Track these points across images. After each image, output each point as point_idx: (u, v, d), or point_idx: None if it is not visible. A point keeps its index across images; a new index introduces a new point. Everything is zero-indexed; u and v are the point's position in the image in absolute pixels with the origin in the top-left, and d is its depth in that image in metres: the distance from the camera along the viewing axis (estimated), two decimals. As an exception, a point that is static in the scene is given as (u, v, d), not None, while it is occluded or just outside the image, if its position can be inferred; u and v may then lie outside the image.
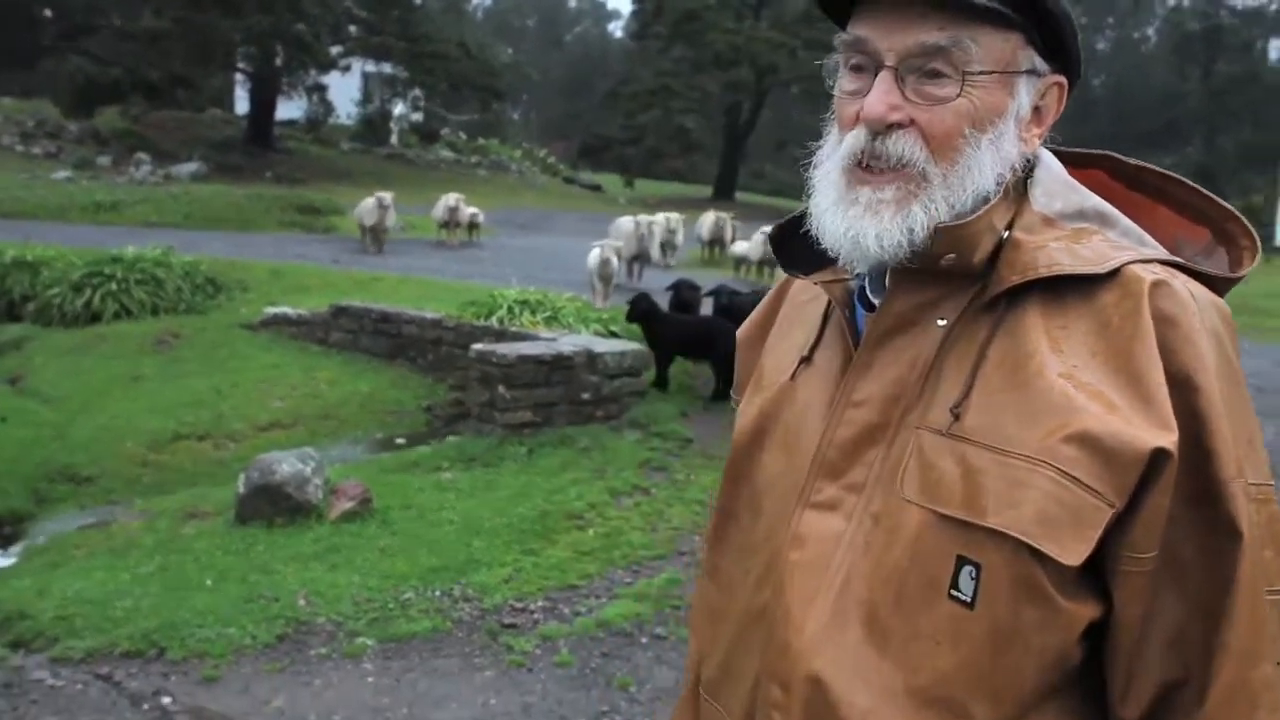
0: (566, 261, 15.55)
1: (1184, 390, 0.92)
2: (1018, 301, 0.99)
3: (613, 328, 9.56)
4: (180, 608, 4.77)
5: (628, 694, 4.27)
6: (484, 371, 7.64)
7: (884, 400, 1.03)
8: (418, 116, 35.63)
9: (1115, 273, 0.97)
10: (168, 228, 17.12)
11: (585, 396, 7.87)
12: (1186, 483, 0.92)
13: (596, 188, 39.07)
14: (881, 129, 0.99)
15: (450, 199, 18.20)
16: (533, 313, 9.67)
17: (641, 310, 8.42)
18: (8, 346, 11.15)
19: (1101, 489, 0.91)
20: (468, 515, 6.11)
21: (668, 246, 16.88)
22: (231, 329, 11.07)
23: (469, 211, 18.41)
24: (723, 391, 8.60)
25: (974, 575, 0.93)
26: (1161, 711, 0.95)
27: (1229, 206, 1.07)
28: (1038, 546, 0.91)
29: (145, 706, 4.00)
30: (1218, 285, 1.02)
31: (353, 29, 31.97)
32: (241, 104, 35.20)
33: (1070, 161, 1.10)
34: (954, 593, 0.94)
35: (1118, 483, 0.91)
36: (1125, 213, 1.05)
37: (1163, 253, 1.01)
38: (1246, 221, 1.06)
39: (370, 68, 34.98)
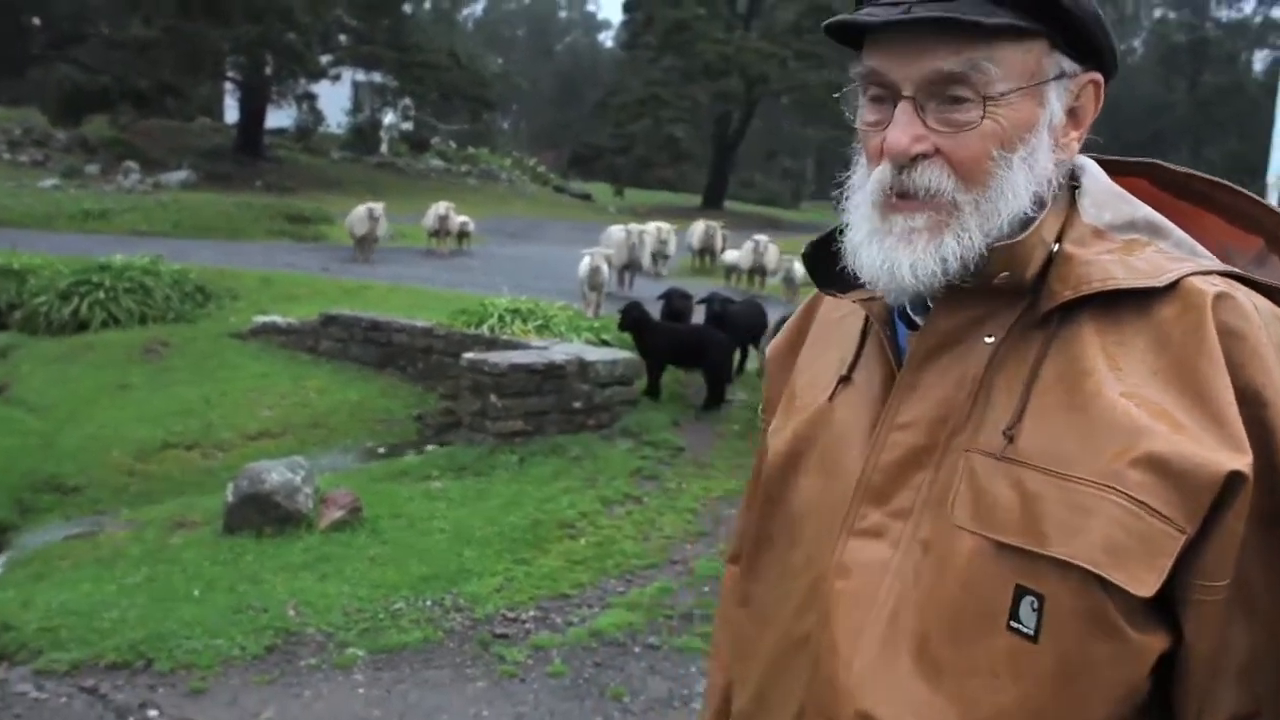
0: (557, 270, 15.53)
1: (1254, 408, 0.87)
2: (1070, 317, 0.95)
3: (604, 336, 9.53)
4: (167, 619, 4.71)
5: (621, 704, 4.23)
6: (475, 380, 7.59)
7: (930, 422, 0.98)
8: (408, 125, 35.63)
9: (1173, 286, 0.93)
10: (156, 236, 17.04)
11: (577, 405, 7.84)
12: (1261, 505, 0.87)
13: (586, 197, 39.11)
14: (906, 162, 0.95)
15: (440, 207, 18.19)
16: (524, 321, 9.64)
17: (633, 319, 8.39)
18: (-6, 355, 11.06)
19: (1172, 515, 0.86)
20: (459, 524, 6.06)
21: (660, 256, 16.89)
22: (220, 338, 11.00)
23: (459, 220, 18.40)
24: (714, 400, 8.59)
25: (1036, 606, 0.89)
26: None
27: None
28: (1107, 577, 0.86)
29: (131, 719, 3.94)
30: (1275, 297, 0.97)
31: (343, 38, 31.99)
32: (231, 113, 35.14)
33: (1112, 169, 1.07)
34: (1014, 624, 0.90)
35: (1189, 508, 0.86)
36: (1172, 221, 1.01)
37: (1220, 264, 0.97)
38: None
39: (360, 77, 34.96)
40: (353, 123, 35.97)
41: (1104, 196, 1.01)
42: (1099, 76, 1.00)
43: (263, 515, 5.85)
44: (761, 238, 16.52)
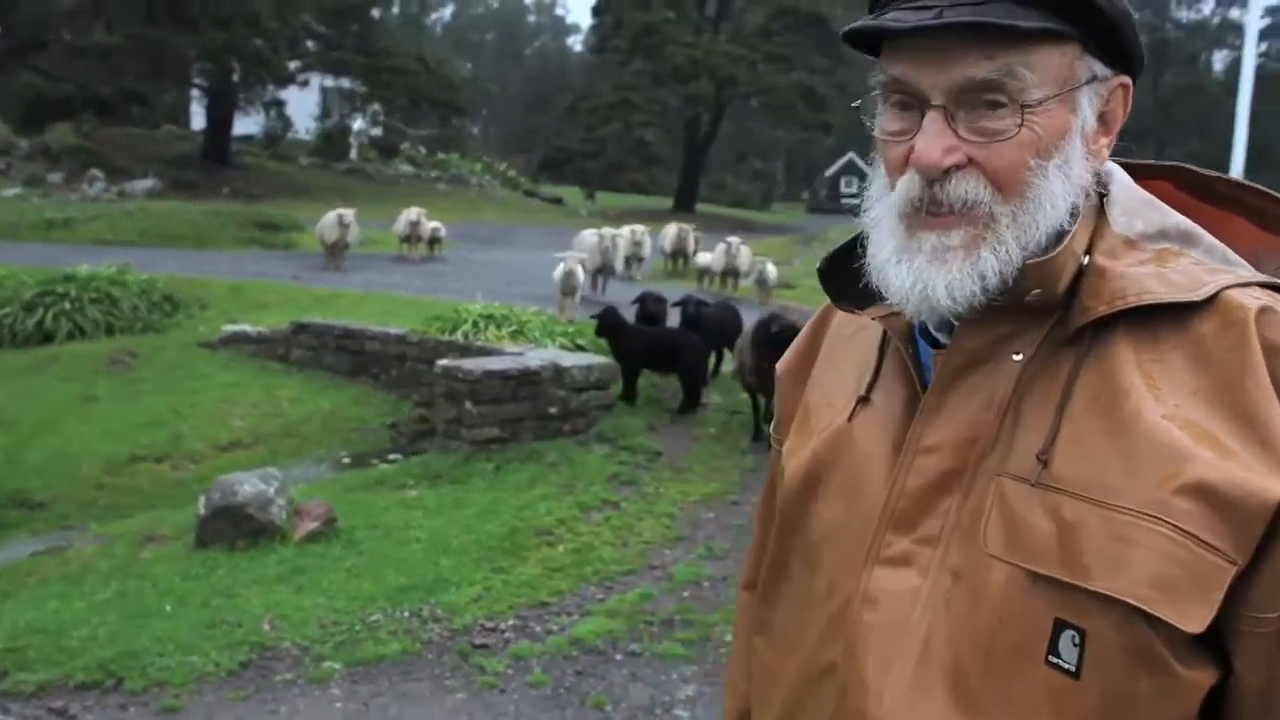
0: (530, 275, 15.47)
1: None
2: (1103, 333, 0.90)
3: (579, 341, 9.50)
4: (139, 636, 4.62)
5: (603, 713, 4.19)
6: (450, 387, 7.54)
7: (958, 444, 0.93)
8: (377, 131, 35.43)
9: (1211, 299, 0.88)
10: (122, 245, 16.82)
11: (552, 411, 7.80)
12: None
13: (558, 201, 39.05)
14: (938, 174, 0.90)
15: (412, 213, 18.07)
16: (498, 327, 9.59)
17: (609, 324, 8.37)
18: (-44, 368, 10.86)
19: (1222, 546, 0.82)
20: (435, 533, 6.01)
21: (633, 260, 16.86)
22: (190, 348, 10.87)
23: (430, 226, 18.29)
24: (690, 404, 8.57)
25: (1077, 642, 0.85)
26: None
27: None
28: (1155, 613, 0.82)
29: (103, 739, 3.87)
30: None
31: (310, 44, 31.73)
32: (197, 120, 34.80)
33: (1133, 173, 1.02)
34: (1053, 659, 0.85)
35: (1240, 538, 0.82)
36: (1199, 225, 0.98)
37: (1257, 274, 0.93)
38: None
39: (329, 83, 34.71)
40: (321, 129, 35.69)
41: (1134, 204, 0.97)
42: (1128, 80, 0.96)
43: (235, 528, 5.77)
44: (733, 240, 16.54)
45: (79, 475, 7.91)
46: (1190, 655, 0.84)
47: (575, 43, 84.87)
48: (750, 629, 1.19)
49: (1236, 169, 17.81)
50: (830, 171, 60.59)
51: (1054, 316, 0.92)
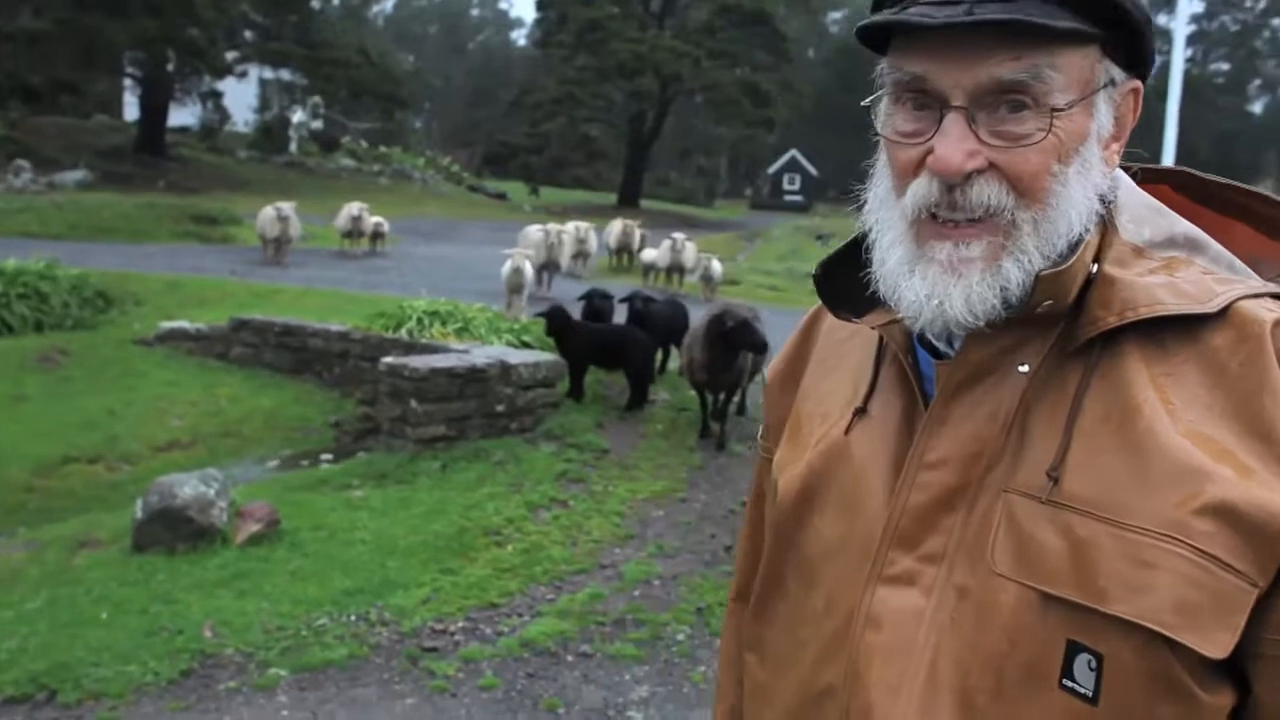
0: (474, 271, 15.34)
1: None
2: (1112, 345, 0.88)
3: (525, 338, 9.42)
4: (73, 646, 4.47)
5: (556, 715, 4.15)
6: (395, 385, 7.42)
7: (963, 459, 0.91)
8: (317, 124, 34.92)
9: (1224, 311, 0.86)
10: (50, 239, 16.31)
11: (499, 409, 7.72)
12: None
13: (501, 196, 38.81)
14: (959, 180, 0.86)
15: (354, 208, 17.82)
16: (443, 324, 9.47)
17: (559, 322, 8.30)
18: (-124, 367, 10.44)
19: (1244, 568, 0.80)
20: (381, 534, 5.91)
21: (579, 256, 16.80)
22: (124, 345, 10.57)
23: (373, 221, 18.05)
24: (638, 400, 8.55)
25: (1094, 666, 0.82)
26: None
27: None
28: (1178, 639, 0.80)
29: (37, 753, 3.73)
30: None
31: (248, 34, 31.13)
32: (131, 110, 33.94)
33: (1132, 177, 1.00)
34: (1068, 683, 0.83)
35: (1262, 560, 0.80)
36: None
37: (1268, 284, 0.91)
38: None
39: (267, 74, 34.09)
40: (260, 121, 35.06)
41: (1141, 211, 0.95)
42: (1139, 84, 0.94)
43: (174, 531, 5.61)
44: (679, 236, 16.57)
45: (6, 478, 7.64)
46: (1211, 679, 0.82)
47: (519, 37, 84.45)
48: (740, 641, 1.16)
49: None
50: (773, 169, 61.02)
51: (1059, 327, 0.90)
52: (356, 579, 5.28)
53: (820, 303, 1.14)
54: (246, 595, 5.04)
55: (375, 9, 61.93)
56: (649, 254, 17.10)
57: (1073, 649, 0.83)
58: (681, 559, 5.86)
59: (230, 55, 30.05)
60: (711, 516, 6.56)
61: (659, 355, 9.30)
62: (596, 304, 9.41)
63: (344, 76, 30.66)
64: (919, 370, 0.97)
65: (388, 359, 7.75)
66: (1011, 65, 0.84)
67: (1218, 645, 0.80)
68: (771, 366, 1.20)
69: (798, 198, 57.74)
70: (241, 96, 33.71)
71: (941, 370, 0.95)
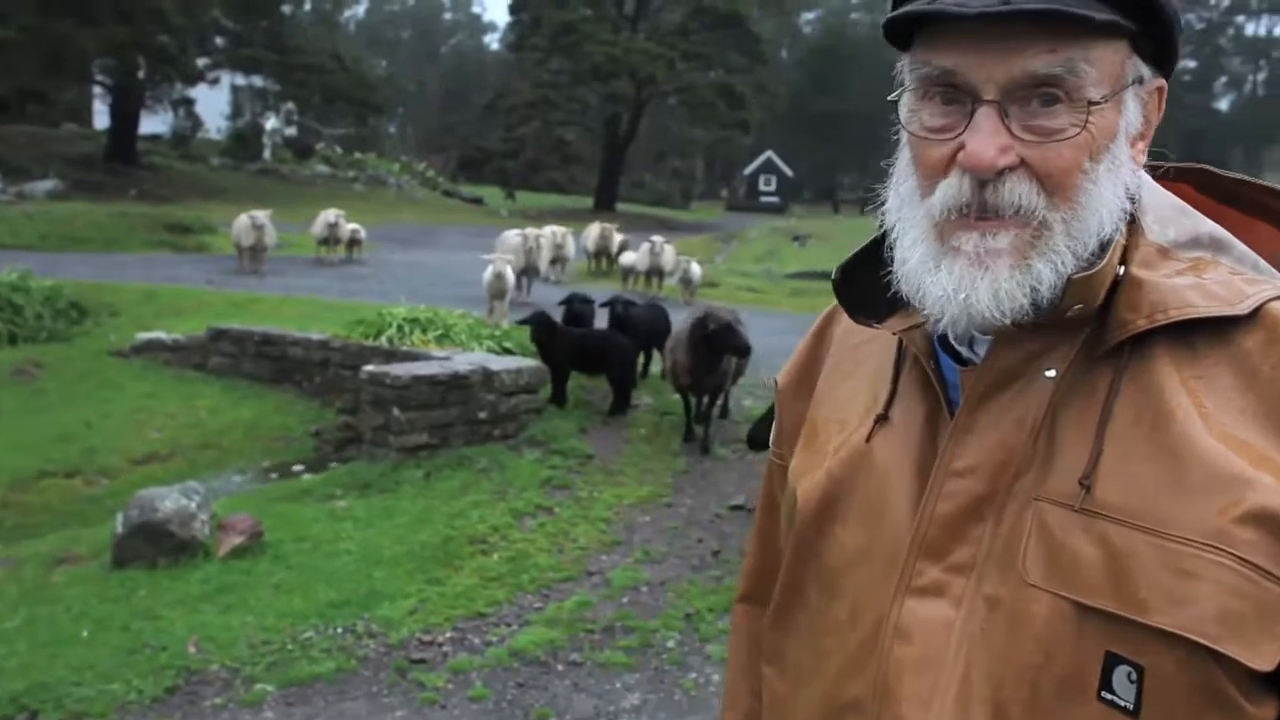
0: (453, 277, 15.27)
1: None
2: (1141, 348, 0.86)
3: (506, 344, 9.38)
4: (53, 664, 4.40)
5: (547, 726, 4.13)
6: (377, 394, 7.37)
7: (991, 467, 0.89)
8: (291, 130, 34.69)
9: (1254, 312, 0.85)
10: (21, 249, 16.10)
11: (482, 416, 7.68)
12: None
13: (478, 201, 38.69)
14: (991, 176, 0.84)
15: (330, 215, 17.70)
16: (424, 331, 9.41)
17: (545, 327, 8.27)
18: None
19: None
20: (366, 545, 5.86)
21: (557, 260, 16.76)
22: (100, 356, 10.44)
23: (350, 228, 17.92)
24: (620, 405, 8.53)
25: (1134, 678, 0.80)
26: None
27: None
28: (1223, 651, 0.78)
29: (20, 776, 3.67)
30: None
31: (220, 41, 30.88)
32: (101, 118, 33.58)
33: (1153, 176, 0.98)
34: (1107, 695, 0.81)
35: None
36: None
37: None
38: None
39: (240, 80, 33.86)
40: (233, 128, 34.80)
41: (1166, 211, 0.94)
42: (1164, 83, 0.93)
43: (155, 546, 5.54)
44: (658, 239, 16.56)
45: (-18, 493, 7.53)
46: (1256, 691, 0.81)
47: (492, 41, 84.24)
48: (751, 647, 1.14)
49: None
50: (748, 170, 61.15)
51: (1085, 331, 0.88)
52: (342, 591, 5.23)
53: (831, 306, 1.13)
54: (231, 609, 4.98)
55: (347, 14, 61.65)
56: (628, 257, 17.07)
57: (1111, 661, 0.81)
58: (669, 564, 5.85)
59: (202, 62, 29.80)
60: (698, 521, 6.55)
61: (641, 359, 9.29)
62: (577, 308, 9.39)
63: (317, 82, 30.48)
64: (942, 375, 0.95)
65: (369, 367, 7.70)
66: (1047, 58, 0.83)
67: (1263, 656, 0.79)
68: (783, 372, 1.18)
69: (774, 199, 57.93)
70: (214, 103, 33.48)
71: (967, 376, 0.93)
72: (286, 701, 4.21)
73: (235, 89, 35.23)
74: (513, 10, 41.09)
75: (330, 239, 17.75)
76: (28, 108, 27.83)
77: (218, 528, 5.77)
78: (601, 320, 9.27)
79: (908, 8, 0.86)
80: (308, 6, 42.87)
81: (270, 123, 35.07)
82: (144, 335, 10.62)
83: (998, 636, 0.86)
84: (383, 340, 9.23)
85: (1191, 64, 70.57)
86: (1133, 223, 0.92)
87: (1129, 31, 0.86)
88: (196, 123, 32.35)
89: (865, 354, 1.06)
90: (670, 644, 4.86)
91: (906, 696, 0.89)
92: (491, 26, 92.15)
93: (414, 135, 70.48)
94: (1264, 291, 0.87)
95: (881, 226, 0.96)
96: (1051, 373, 0.88)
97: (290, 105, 33.42)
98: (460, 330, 9.60)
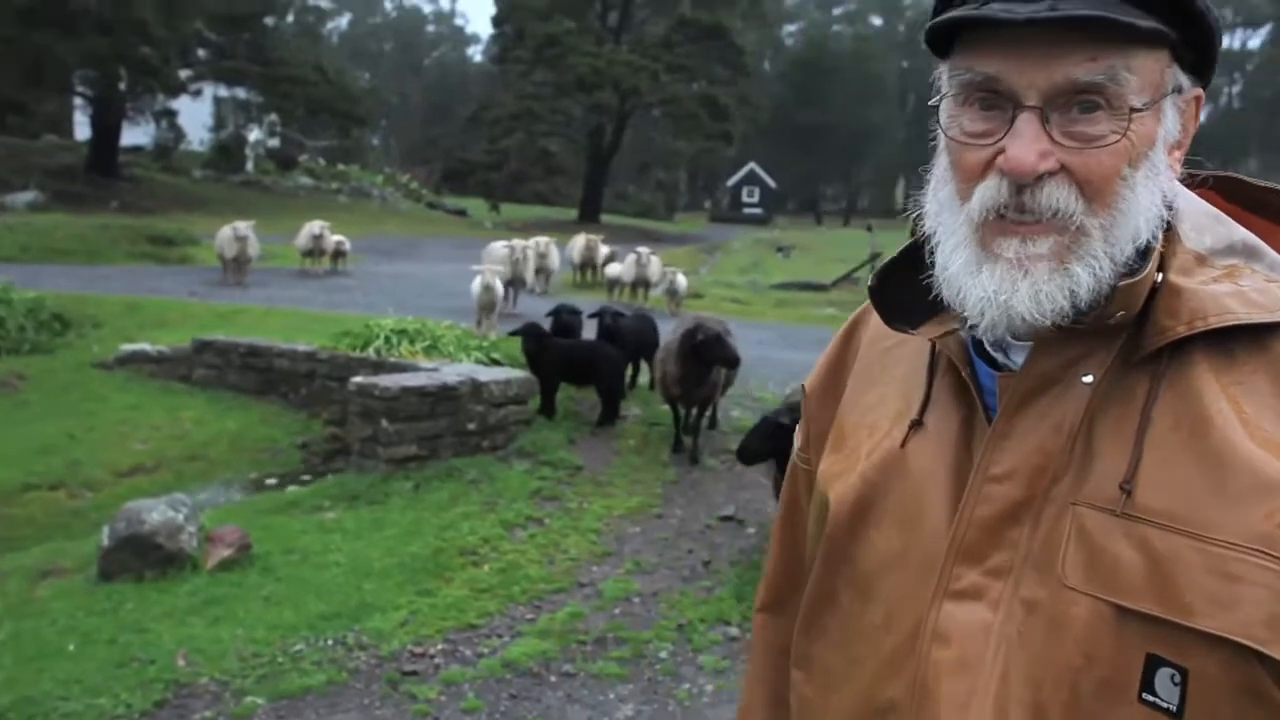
0: (439, 288, 15.25)
1: None
2: (1180, 355, 0.87)
3: (494, 355, 9.36)
4: (39, 679, 4.34)
5: (541, 737, 4.11)
6: (365, 405, 7.33)
7: (1029, 472, 0.89)
8: (274, 142, 34.60)
9: None
10: (2, 261, 16.00)
11: (471, 427, 7.66)
12: None
13: (461, 212, 38.68)
14: (1030, 181, 0.86)
15: (314, 226, 17.66)
16: (411, 342, 9.38)
17: (536, 338, 8.25)
18: None
19: None
20: (356, 556, 5.82)
21: (542, 272, 16.75)
22: (84, 368, 10.37)
23: (334, 239, 17.89)
24: (609, 416, 8.52)
25: (1177, 680, 0.81)
26: None
27: None
28: (1271, 654, 0.79)
29: (8, 792, 3.62)
30: None
31: (202, 52, 30.79)
32: (82, 129, 33.45)
33: (1183, 184, 1.00)
34: (1149, 697, 0.82)
35: None
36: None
37: None
38: None
39: (223, 92, 33.79)
40: (216, 140, 34.69)
41: (1201, 219, 0.95)
42: (1202, 93, 0.94)
43: (142, 558, 5.49)
44: (643, 250, 16.59)
45: (-36, 507, 7.45)
46: None
47: (475, 53, 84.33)
48: (768, 657, 1.14)
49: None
50: (732, 181, 61.43)
51: (1122, 337, 0.89)
52: (332, 603, 5.19)
53: (856, 311, 1.14)
54: (220, 622, 4.94)
55: (330, 26, 61.59)
56: (614, 268, 17.09)
57: (1153, 663, 0.82)
58: (660, 575, 5.84)
59: (184, 73, 29.72)
60: (688, 532, 6.54)
61: (629, 370, 9.29)
62: (565, 319, 9.37)
63: (300, 94, 30.44)
64: (978, 381, 0.96)
65: (357, 378, 7.66)
66: (1088, 66, 0.84)
67: None
68: (810, 379, 1.18)
69: (757, 210, 58.19)
70: (196, 115, 33.43)
71: (1004, 382, 0.93)
72: (277, 714, 4.17)
73: (218, 100, 35.19)
74: (496, 22, 41.18)
75: (315, 250, 17.70)
76: (7, 119, 27.66)
77: (205, 540, 5.72)
78: (589, 331, 9.26)
79: (954, 13, 0.87)
80: (290, 18, 42.83)
81: (253, 134, 35.00)
82: (128, 347, 10.56)
83: (1036, 639, 0.87)
84: (370, 351, 9.20)
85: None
86: (1169, 230, 0.93)
87: (1170, 40, 0.87)
88: (179, 134, 32.25)
89: (894, 359, 1.06)
90: (663, 655, 4.84)
91: (945, 698, 0.89)
92: (475, 39, 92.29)
93: (398, 147, 70.41)
94: None
95: (914, 234, 0.97)
96: (1089, 378, 0.89)
97: (273, 117, 33.39)
98: (448, 341, 9.58)
